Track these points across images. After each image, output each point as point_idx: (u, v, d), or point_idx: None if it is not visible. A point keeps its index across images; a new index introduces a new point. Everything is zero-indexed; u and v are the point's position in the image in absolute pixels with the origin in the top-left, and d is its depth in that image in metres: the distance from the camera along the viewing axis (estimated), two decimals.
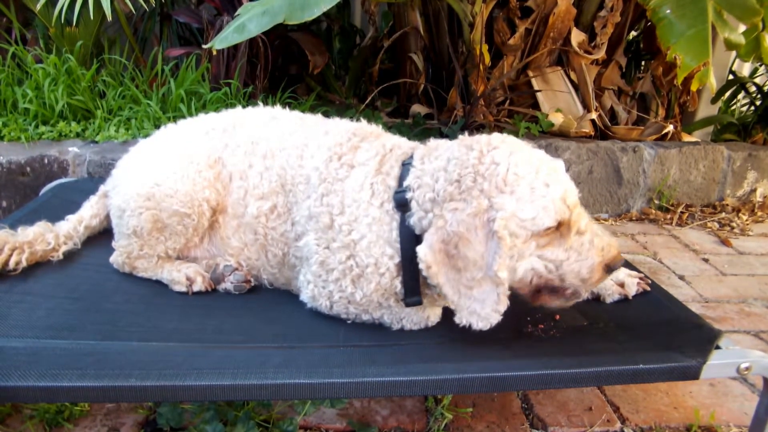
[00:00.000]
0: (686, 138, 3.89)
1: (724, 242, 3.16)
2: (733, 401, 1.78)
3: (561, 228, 1.42)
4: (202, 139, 1.87)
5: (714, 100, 4.08)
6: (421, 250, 1.39)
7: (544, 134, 3.57)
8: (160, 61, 3.37)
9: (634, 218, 3.52)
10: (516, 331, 1.62)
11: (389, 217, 1.53)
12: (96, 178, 2.82)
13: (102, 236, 2.04)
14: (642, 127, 3.81)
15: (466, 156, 1.44)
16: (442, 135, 3.48)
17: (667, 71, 3.83)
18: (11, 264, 1.77)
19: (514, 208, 1.37)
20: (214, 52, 3.24)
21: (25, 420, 1.57)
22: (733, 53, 3.86)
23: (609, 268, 1.47)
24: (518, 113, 3.72)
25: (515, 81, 3.87)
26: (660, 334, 1.64)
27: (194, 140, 1.87)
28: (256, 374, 1.31)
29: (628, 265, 2.02)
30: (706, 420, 1.68)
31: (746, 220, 3.48)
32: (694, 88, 3.04)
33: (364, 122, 1.77)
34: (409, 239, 1.49)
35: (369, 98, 3.88)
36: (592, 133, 3.67)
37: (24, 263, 1.79)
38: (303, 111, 1.97)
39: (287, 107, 1.99)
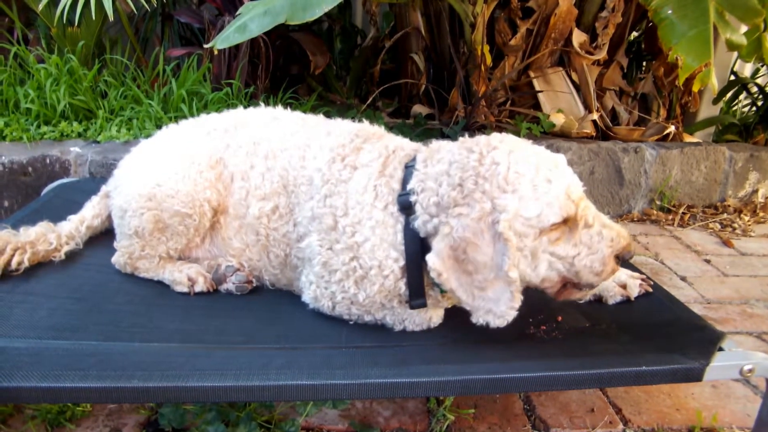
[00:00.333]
0: (688, 139, 3.89)
1: (726, 243, 3.15)
2: (736, 403, 1.78)
3: (568, 223, 1.43)
4: (204, 139, 1.87)
5: (715, 101, 4.07)
6: (431, 259, 1.40)
7: (545, 135, 3.57)
8: (162, 61, 3.37)
9: (635, 219, 3.52)
10: (518, 332, 1.61)
11: (393, 219, 1.53)
12: (98, 178, 2.82)
13: (104, 236, 2.04)
14: (643, 128, 3.81)
15: (467, 159, 1.44)
16: (443, 135, 3.48)
17: (669, 72, 3.83)
18: (13, 264, 1.77)
19: (517, 206, 1.37)
20: (216, 52, 3.24)
21: (26, 420, 1.57)
22: (735, 54, 3.86)
23: (620, 259, 1.47)
24: (519, 114, 3.72)
25: (516, 81, 3.86)
26: (662, 335, 1.64)
27: (196, 141, 1.87)
28: (258, 375, 1.31)
29: (630, 266, 2.01)
30: (709, 422, 1.68)
31: (748, 221, 3.48)
32: (695, 88, 3.04)
33: (366, 123, 1.77)
34: (414, 242, 1.50)
35: (370, 99, 3.88)
36: (594, 134, 3.67)
37: (26, 263, 1.79)
38: (304, 111, 1.96)
39: (288, 107, 1.99)
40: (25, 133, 2.96)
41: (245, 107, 2.04)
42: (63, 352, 1.42)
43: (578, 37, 3.67)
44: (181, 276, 1.80)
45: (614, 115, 3.92)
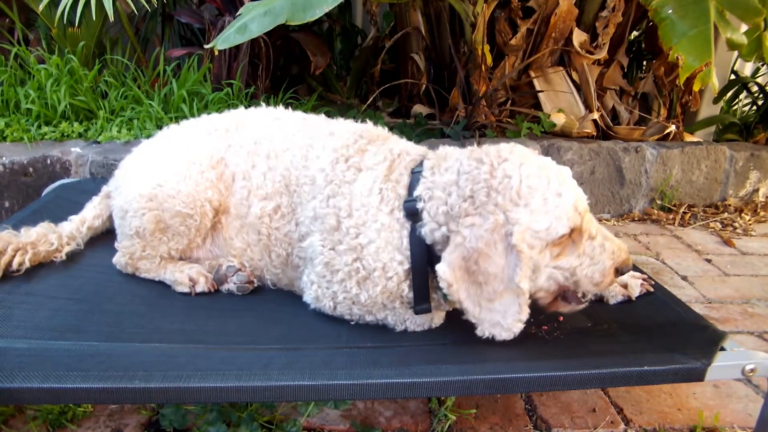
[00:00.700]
0: (688, 138, 3.88)
1: (727, 242, 3.15)
2: (737, 403, 1.78)
3: (573, 234, 1.45)
4: (205, 139, 1.87)
5: (716, 100, 4.07)
6: (441, 269, 1.41)
7: (546, 134, 3.57)
8: (162, 62, 3.37)
9: (636, 219, 3.52)
10: (520, 332, 1.61)
11: (399, 224, 1.53)
12: (98, 178, 2.82)
13: (105, 237, 2.04)
14: (644, 128, 3.81)
15: (477, 170, 1.45)
16: (443, 135, 3.48)
17: (669, 71, 3.83)
18: (14, 265, 1.77)
19: (528, 220, 1.39)
20: (216, 53, 3.24)
21: (28, 421, 1.57)
22: (735, 53, 3.86)
23: (619, 271, 1.50)
24: (520, 113, 3.72)
25: (517, 81, 3.86)
26: (664, 335, 1.64)
27: (197, 141, 1.87)
28: (259, 376, 1.31)
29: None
30: (710, 422, 1.68)
31: (749, 221, 3.47)
32: (696, 88, 3.04)
33: (370, 124, 1.77)
34: (420, 248, 1.51)
35: (370, 98, 3.88)
36: (594, 134, 3.66)
37: (27, 264, 1.79)
38: (305, 111, 1.96)
39: (289, 107, 1.98)
40: (25, 133, 2.96)
41: (246, 107, 2.04)
42: (64, 353, 1.41)
43: (579, 37, 3.67)
44: (182, 276, 1.80)
45: (615, 115, 3.92)
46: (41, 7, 3.16)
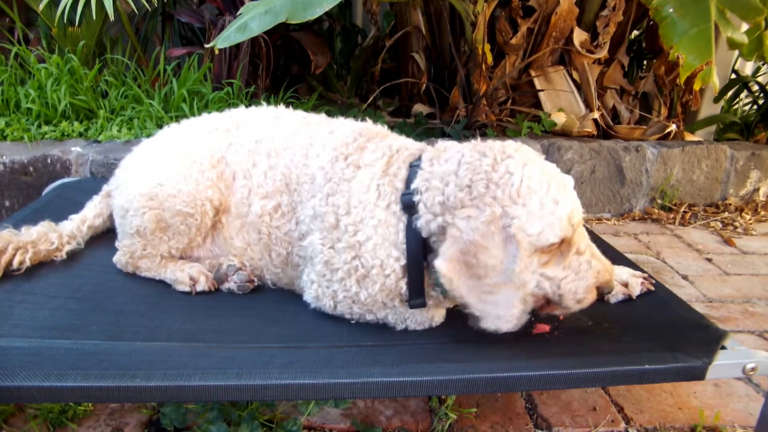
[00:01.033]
0: (689, 137, 3.88)
1: (728, 242, 3.15)
2: (738, 401, 1.78)
3: (562, 246, 1.43)
4: (205, 138, 1.87)
5: (716, 100, 4.07)
6: (440, 265, 1.38)
7: (546, 134, 3.57)
8: (162, 61, 3.37)
9: (636, 218, 3.51)
10: (520, 331, 1.61)
11: (396, 218, 1.52)
12: (99, 177, 2.83)
13: (105, 236, 2.04)
14: (644, 127, 3.81)
15: (479, 162, 1.43)
16: (444, 134, 3.48)
17: (670, 70, 3.83)
18: (15, 264, 1.77)
19: (524, 220, 1.37)
20: (216, 52, 3.24)
21: (28, 420, 1.57)
22: (736, 52, 3.86)
23: (599, 291, 1.49)
24: (520, 113, 3.72)
25: (517, 80, 3.86)
26: (664, 334, 1.63)
27: (197, 140, 1.87)
28: (260, 374, 1.31)
29: (632, 264, 2.01)
30: (711, 420, 1.68)
31: (749, 220, 3.47)
32: (696, 87, 3.04)
33: (369, 122, 1.77)
34: (416, 242, 1.49)
35: (371, 98, 3.88)
36: (595, 133, 3.67)
37: (27, 263, 1.79)
38: (305, 110, 1.96)
39: (289, 107, 1.98)
40: (26, 132, 2.96)
41: (246, 107, 2.04)
42: (65, 352, 1.41)
43: (579, 36, 3.67)
44: (182, 275, 1.80)
45: (615, 114, 3.92)
46: (41, 6, 3.16)
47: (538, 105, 3.77)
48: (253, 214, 1.75)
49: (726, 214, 3.55)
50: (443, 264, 1.38)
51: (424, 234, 1.48)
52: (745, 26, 3.10)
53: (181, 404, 1.59)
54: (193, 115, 3.03)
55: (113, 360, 1.38)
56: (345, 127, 1.74)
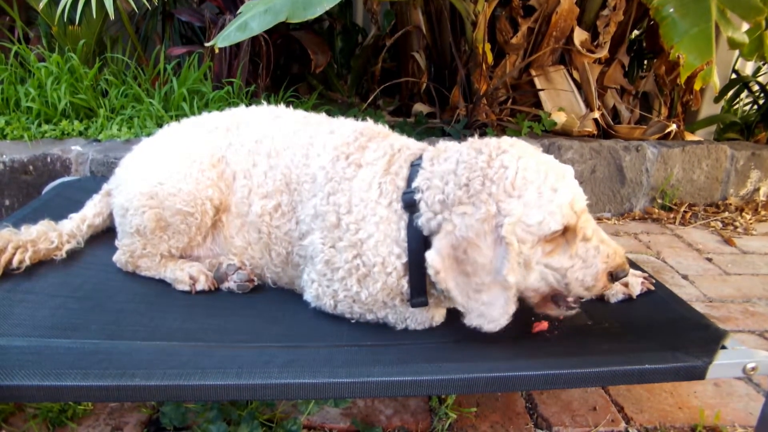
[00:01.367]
0: (689, 137, 3.88)
1: (728, 241, 3.15)
2: (738, 401, 1.77)
3: (567, 234, 1.42)
4: (206, 138, 1.86)
5: (717, 99, 4.07)
6: (430, 256, 1.39)
7: (546, 133, 3.57)
8: (163, 60, 3.36)
9: (637, 217, 3.51)
10: (520, 331, 1.61)
11: (397, 216, 1.52)
12: (99, 176, 2.82)
13: (105, 235, 2.04)
14: (645, 126, 3.81)
15: (475, 159, 1.44)
16: (444, 134, 3.48)
17: (670, 70, 3.82)
18: (15, 263, 1.76)
19: (521, 212, 1.37)
20: (217, 51, 3.24)
21: (28, 419, 1.57)
22: (736, 52, 3.86)
23: (613, 276, 1.46)
24: (521, 112, 3.71)
25: (518, 80, 3.86)
26: (665, 333, 1.63)
27: (197, 139, 1.87)
28: (260, 374, 1.31)
29: (632, 264, 2.01)
30: (711, 420, 1.68)
31: (750, 220, 3.47)
32: (697, 87, 3.04)
33: (370, 122, 1.77)
34: (417, 240, 1.49)
35: (371, 97, 3.87)
36: (595, 132, 3.66)
37: (27, 262, 1.79)
38: (305, 110, 1.96)
39: (289, 106, 1.98)
40: (26, 131, 2.96)
41: (246, 106, 2.04)
42: (64, 351, 1.41)
43: (579, 36, 3.66)
44: (182, 274, 1.80)
45: (615, 114, 3.92)
46: (42, 5, 3.16)
47: (538, 104, 3.77)
48: (254, 213, 1.75)
49: (726, 213, 3.55)
50: (433, 255, 1.39)
51: (425, 232, 1.48)
52: (745, 26, 3.10)
53: (181, 403, 1.59)
54: (193, 114, 3.02)
55: (113, 359, 1.38)
56: (346, 126, 1.74)
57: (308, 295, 1.68)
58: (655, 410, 1.72)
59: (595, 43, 3.71)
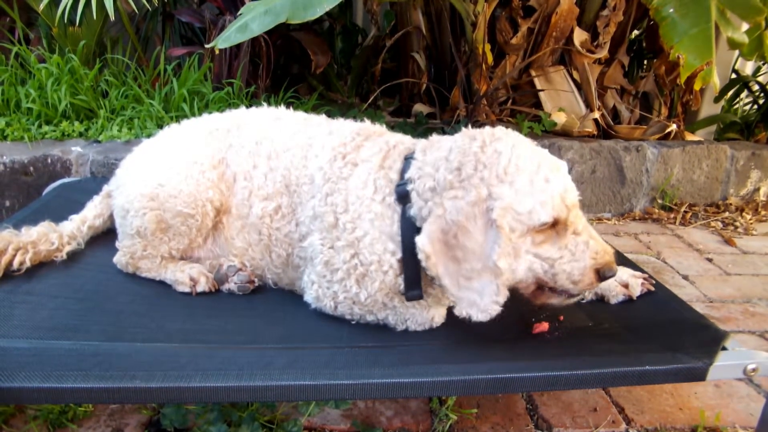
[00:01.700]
0: (689, 137, 3.88)
1: (728, 242, 3.15)
2: (739, 402, 1.77)
3: (557, 226, 1.41)
4: (206, 139, 1.87)
5: (717, 99, 4.07)
6: (420, 241, 1.38)
7: (546, 133, 3.57)
8: (163, 61, 3.36)
9: (637, 218, 3.51)
10: (521, 332, 1.61)
11: (391, 210, 1.52)
12: (99, 177, 2.82)
13: (105, 236, 2.04)
14: (645, 127, 3.81)
15: (469, 145, 1.44)
16: (444, 134, 3.47)
17: (670, 70, 3.82)
18: (15, 264, 1.77)
19: (512, 199, 1.36)
20: (217, 52, 3.24)
21: (28, 420, 1.57)
22: (736, 52, 3.86)
23: (600, 275, 1.44)
24: (521, 112, 3.72)
25: (518, 80, 3.86)
26: (665, 334, 1.63)
27: (198, 141, 1.87)
28: (261, 375, 1.31)
29: (632, 265, 2.01)
30: (712, 421, 1.68)
31: (750, 220, 3.47)
32: (697, 87, 3.04)
33: (368, 122, 1.77)
34: (410, 231, 1.48)
35: (371, 97, 3.87)
36: (595, 133, 3.66)
37: (28, 263, 1.79)
38: (305, 110, 1.96)
39: (289, 107, 1.98)
40: (26, 132, 2.96)
41: (246, 107, 2.04)
42: (65, 353, 1.41)
43: (579, 36, 3.66)
44: (183, 276, 1.80)
45: (615, 114, 3.92)
46: (42, 6, 3.16)
47: (538, 105, 3.77)
48: (254, 215, 1.75)
49: (726, 213, 3.55)
50: (423, 240, 1.37)
51: (418, 223, 1.47)
52: (745, 26, 3.10)
53: (182, 405, 1.59)
54: (193, 115, 3.03)
55: (113, 360, 1.38)
56: (344, 127, 1.74)
57: (308, 297, 1.68)
58: (655, 411, 1.72)
59: (595, 44, 3.71)
